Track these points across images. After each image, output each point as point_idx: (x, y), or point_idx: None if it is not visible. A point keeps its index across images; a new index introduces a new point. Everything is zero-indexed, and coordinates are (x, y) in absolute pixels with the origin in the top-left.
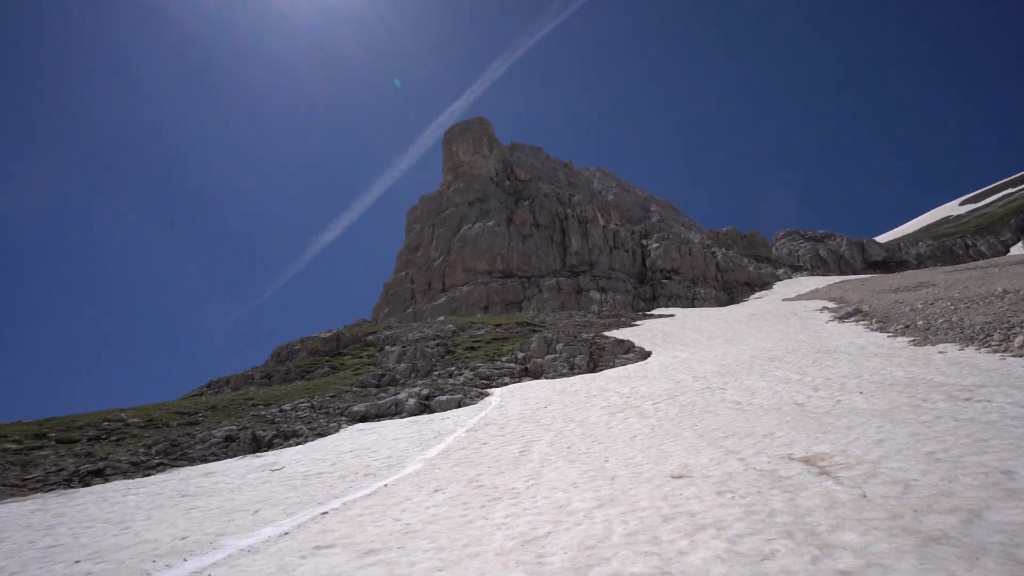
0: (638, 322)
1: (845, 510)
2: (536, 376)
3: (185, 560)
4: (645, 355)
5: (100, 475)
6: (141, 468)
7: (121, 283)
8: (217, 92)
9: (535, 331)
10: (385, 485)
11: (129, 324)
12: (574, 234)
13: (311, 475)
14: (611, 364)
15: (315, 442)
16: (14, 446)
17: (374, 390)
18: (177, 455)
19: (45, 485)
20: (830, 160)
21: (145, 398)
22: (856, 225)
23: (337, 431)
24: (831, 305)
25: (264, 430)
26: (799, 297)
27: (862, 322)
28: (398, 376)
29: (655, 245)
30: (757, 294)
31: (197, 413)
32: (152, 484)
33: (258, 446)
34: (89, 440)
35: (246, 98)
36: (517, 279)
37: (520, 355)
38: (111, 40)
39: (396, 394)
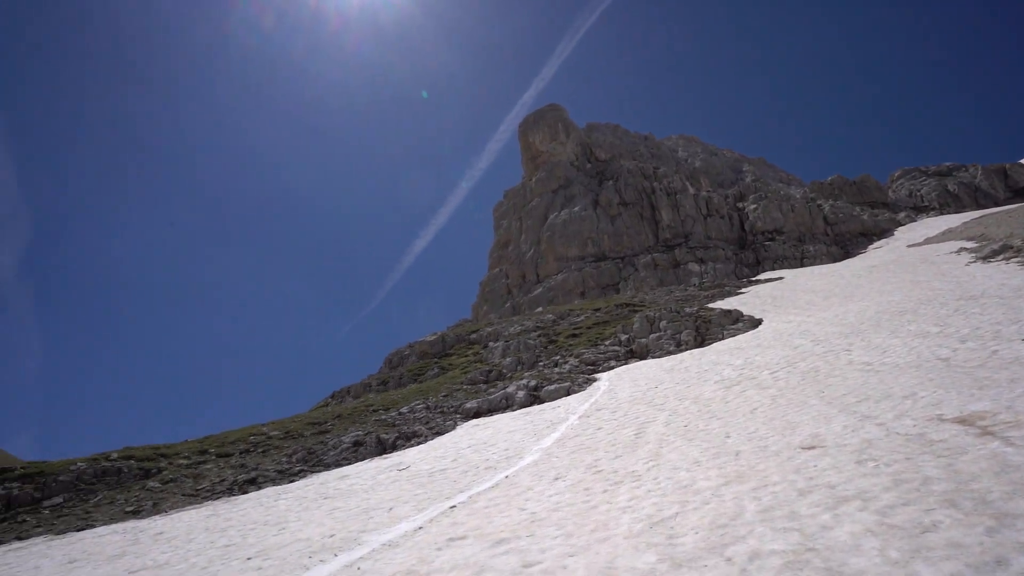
0: (743, 290)
1: (1021, 474)
2: (642, 357)
3: (335, 555)
4: (756, 323)
5: (254, 483)
6: (286, 475)
7: (249, 307)
8: (280, 113)
9: (636, 311)
10: (506, 477)
11: (256, 344)
12: (664, 207)
13: (435, 472)
14: (719, 336)
15: (434, 440)
16: (185, 462)
17: (483, 386)
18: (314, 462)
19: (213, 494)
20: (947, 79)
21: (281, 411)
22: (991, 151)
23: (454, 428)
24: (970, 245)
25: (387, 433)
26: (928, 241)
27: (1014, 260)
28: (505, 370)
29: (752, 207)
30: (876, 244)
31: (326, 422)
32: (297, 489)
33: (383, 448)
34: (241, 453)
35: (313, 124)
36: (610, 261)
37: (623, 337)
38: (189, 67)
39: (505, 388)
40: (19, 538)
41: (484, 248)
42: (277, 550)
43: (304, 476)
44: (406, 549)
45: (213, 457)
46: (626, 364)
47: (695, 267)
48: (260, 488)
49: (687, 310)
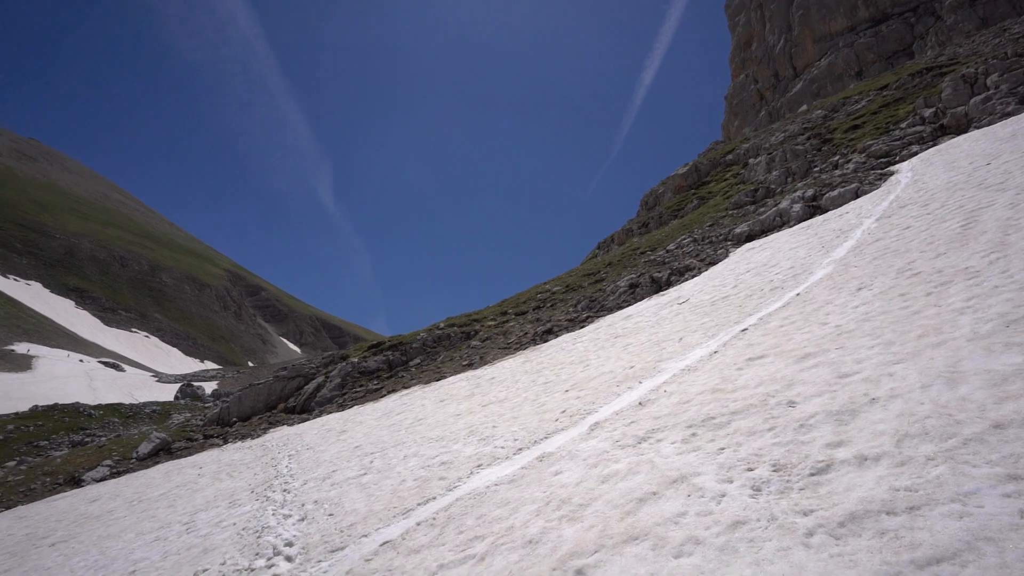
0: None
1: None
2: (960, 130)
3: (640, 383)
4: None
5: (551, 332)
6: (576, 323)
7: (506, 183)
8: None
9: (943, 74)
10: (797, 294)
11: (522, 214)
12: None
13: (717, 300)
14: None
15: (709, 271)
16: (492, 323)
17: (750, 208)
18: (597, 308)
19: (520, 345)
20: None
21: (556, 268)
22: None
23: (726, 256)
24: None
25: (659, 272)
26: None
27: None
28: (772, 186)
29: None
30: None
31: (599, 272)
32: (588, 333)
33: (658, 287)
34: (534, 309)
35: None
36: (896, 20)
37: (926, 112)
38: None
39: (776, 204)
40: (404, 387)
41: (722, 57)
42: (587, 383)
43: (591, 321)
44: (706, 372)
45: (513, 316)
46: (935, 145)
47: None
48: (557, 336)
49: None
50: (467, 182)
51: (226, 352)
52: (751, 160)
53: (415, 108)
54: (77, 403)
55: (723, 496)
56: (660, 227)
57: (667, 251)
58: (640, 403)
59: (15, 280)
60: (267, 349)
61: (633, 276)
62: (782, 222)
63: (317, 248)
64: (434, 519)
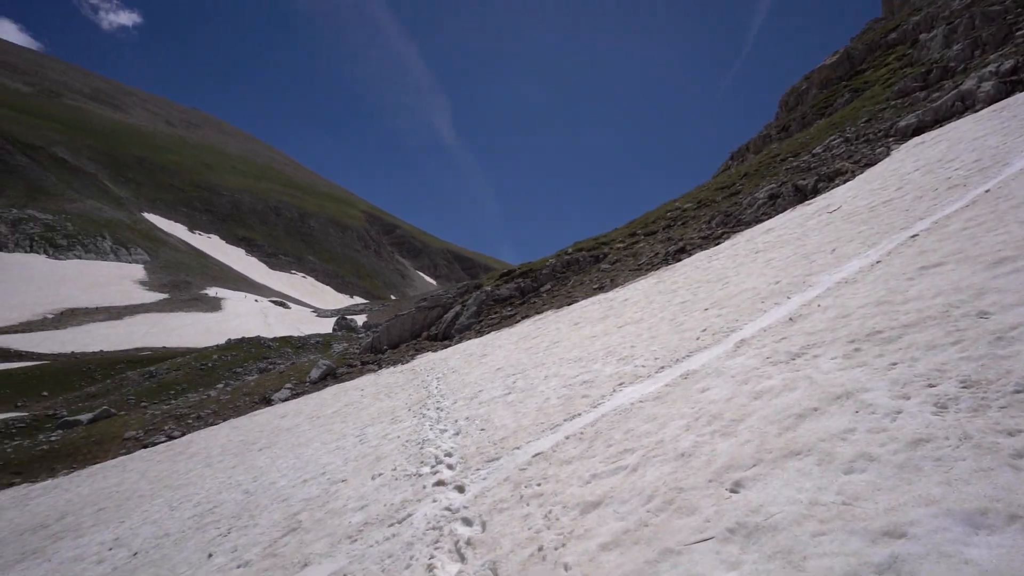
0: None
1: None
2: None
3: (788, 298)
4: None
5: (683, 251)
6: (710, 240)
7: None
8: None
9: None
10: (986, 191)
11: (645, 126)
12: None
13: (876, 205)
14: None
15: (864, 174)
16: (621, 245)
17: (919, 94)
18: (733, 223)
19: (651, 266)
20: None
21: (683, 185)
22: None
23: (887, 155)
24: None
25: (803, 179)
26: None
27: None
28: (952, 64)
29: None
30: None
31: (734, 184)
32: (724, 249)
33: (803, 195)
34: (664, 229)
35: None
36: None
37: None
38: None
39: (957, 86)
40: (537, 312)
41: None
42: (727, 300)
43: (727, 237)
44: (867, 283)
45: (642, 237)
46: None
47: None
48: (690, 255)
49: None
50: (585, 99)
51: (371, 287)
52: (922, 36)
53: (525, 28)
54: (259, 336)
55: (898, 413)
56: (803, 129)
57: (812, 155)
58: (790, 319)
59: (199, 235)
60: (406, 283)
61: (773, 186)
62: (964, 107)
63: (442, 183)
64: (582, 433)
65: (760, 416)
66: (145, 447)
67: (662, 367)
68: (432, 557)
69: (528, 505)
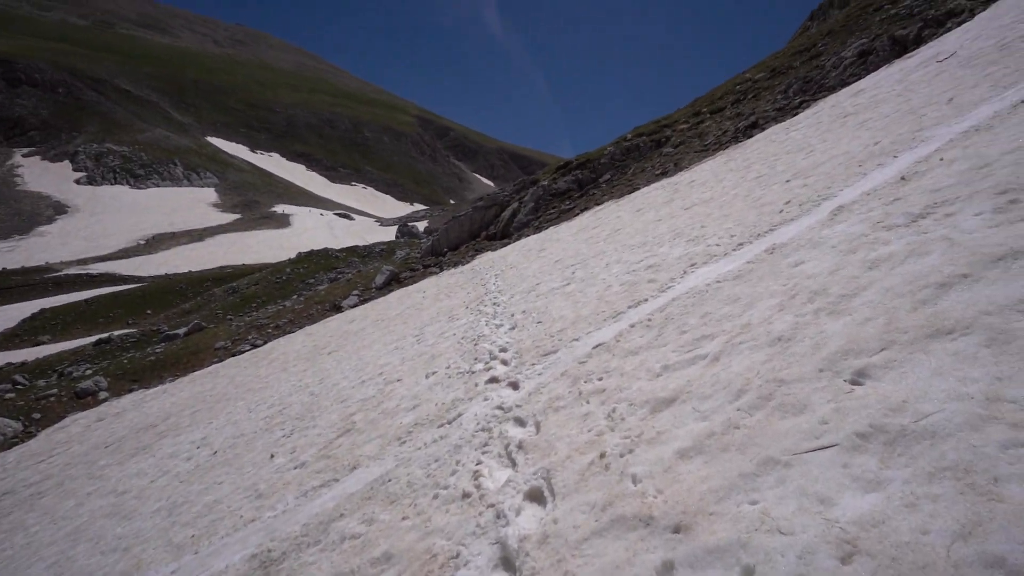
0: None
1: None
2: None
3: (895, 156)
4: None
5: (755, 127)
6: (786, 111)
7: None
8: None
9: None
10: None
11: None
12: None
13: (1011, 42)
14: None
15: (987, 11)
16: (685, 126)
17: None
18: (814, 90)
19: (719, 145)
20: None
21: (751, 58)
22: None
23: None
24: None
25: (903, 28)
26: None
27: None
28: None
29: None
30: None
31: (815, 46)
32: (803, 119)
33: (903, 48)
34: (732, 104)
35: None
36: None
37: None
38: None
39: None
40: (596, 204)
41: None
42: (813, 169)
43: (807, 106)
44: (1011, 126)
45: (707, 115)
46: None
47: None
48: (763, 129)
49: None
50: None
51: (430, 193)
52: None
53: None
54: (326, 248)
55: None
56: None
57: None
58: (902, 178)
59: (261, 154)
60: (464, 186)
61: (864, 41)
62: None
63: (493, 79)
64: (649, 320)
65: (881, 288)
66: (233, 355)
67: (740, 244)
68: (479, 463)
69: (588, 403)
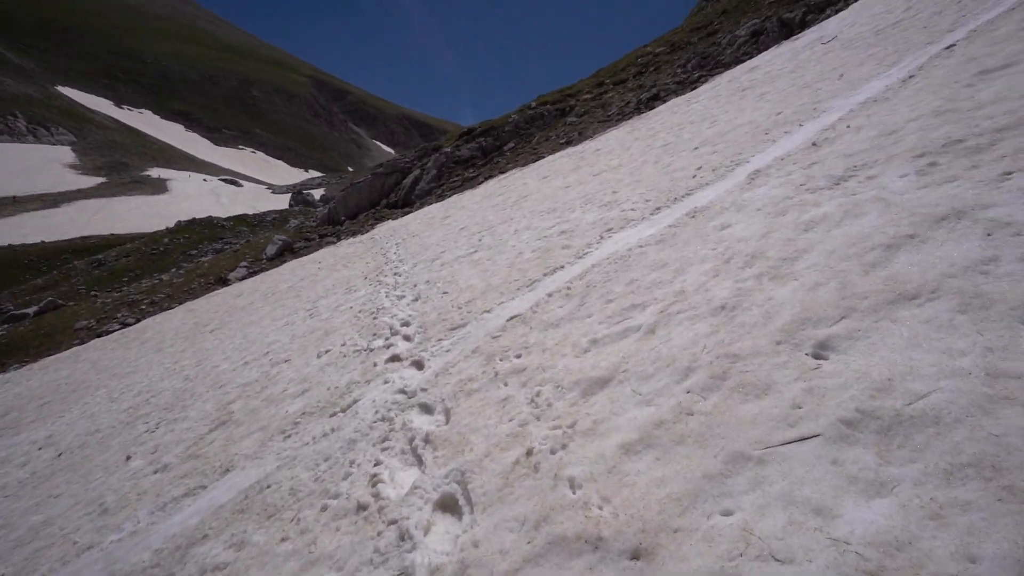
0: None
1: None
2: None
3: (800, 125)
4: None
5: (657, 98)
6: (686, 84)
7: None
8: None
9: None
10: None
11: None
12: None
13: (883, 29)
14: None
15: (860, 1)
16: (588, 96)
17: None
18: (711, 65)
19: (622, 115)
20: None
21: (651, 32)
22: None
23: None
24: None
25: (789, 12)
26: None
27: None
28: None
29: None
30: None
31: (711, 23)
32: (703, 93)
33: (790, 30)
34: (634, 76)
35: None
36: None
37: None
38: None
39: None
40: (501, 172)
41: None
42: (719, 138)
43: (705, 80)
44: (905, 98)
45: (611, 86)
46: None
47: None
48: (664, 101)
49: None
50: None
51: (326, 159)
52: None
53: None
54: (211, 216)
55: None
56: None
57: None
58: (813, 144)
59: (128, 110)
60: (363, 153)
61: (756, 21)
62: None
63: (393, 41)
64: (568, 289)
65: (824, 251)
66: (99, 336)
67: (657, 208)
68: (378, 463)
69: (506, 385)
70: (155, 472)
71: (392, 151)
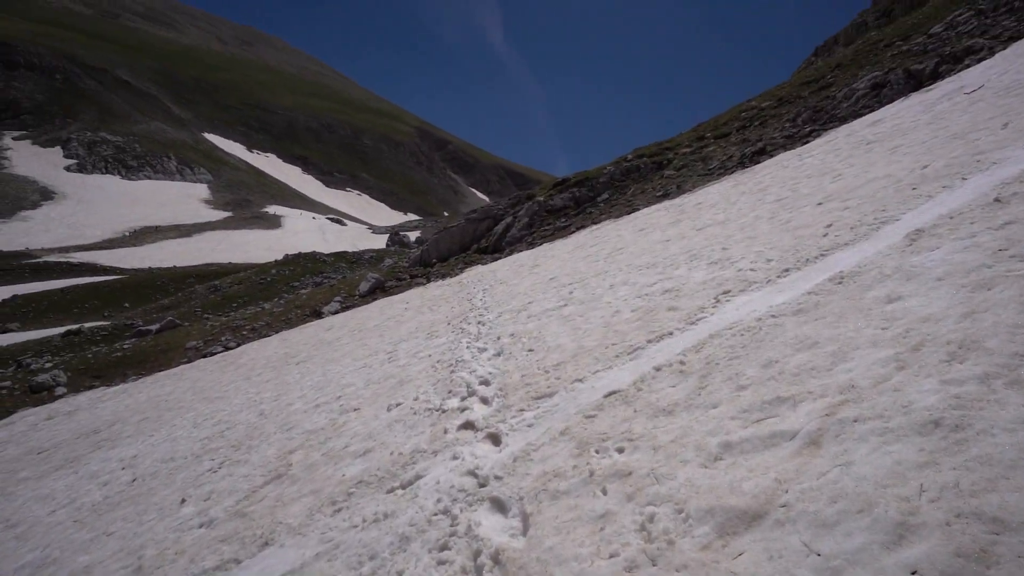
0: None
1: None
2: None
3: (963, 179)
4: None
5: (763, 152)
6: (795, 139)
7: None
8: None
9: None
10: None
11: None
12: None
13: None
14: None
15: (1008, 49)
16: (688, 150)
17: None
18: (824, 119)
19: (725, 170)
20: None
21: (755, 87)
22: None
23: None
24: None
25: (918, 63)
26: None
27: None
28: None
29: None
30: None
31: (823, 77)
32: (816, 147)
33: (918, 82)
34: (737, 131)
35: None
36: None
37: None
38: None
39: None
40: (594, 223)
41: None
42: (848, 192)
43: (817, 135)
44: None
45: (711, 140)
46: None
47: None
48: (772, 155)
49: None
50: None
51: (424, 204)
52: None
53: None
54: (315, 251)
55: None
56: (911, 11)
57: (929, 36)
58: (997, 199)
59: (257, 154)
60: (458, 199)
61: (877, 74)
62: None
63: (494, 96)
64: (682, 364)
65: None
66: (204, 356)
67: (785, 270)
68: None
69: (605, 494)
70: (200, 526)
71: (487, 199)
